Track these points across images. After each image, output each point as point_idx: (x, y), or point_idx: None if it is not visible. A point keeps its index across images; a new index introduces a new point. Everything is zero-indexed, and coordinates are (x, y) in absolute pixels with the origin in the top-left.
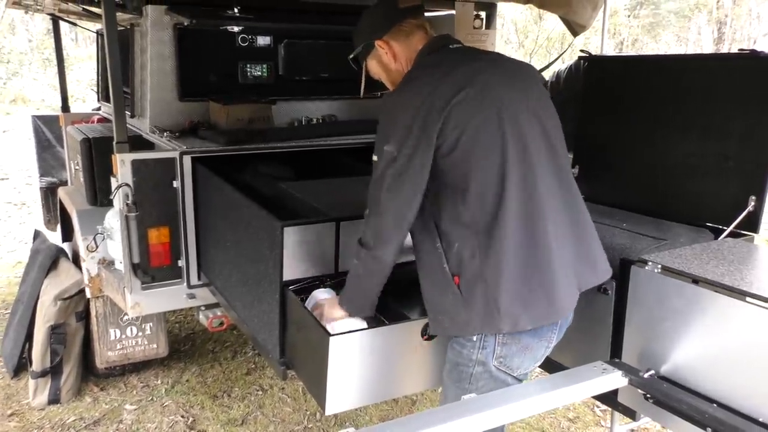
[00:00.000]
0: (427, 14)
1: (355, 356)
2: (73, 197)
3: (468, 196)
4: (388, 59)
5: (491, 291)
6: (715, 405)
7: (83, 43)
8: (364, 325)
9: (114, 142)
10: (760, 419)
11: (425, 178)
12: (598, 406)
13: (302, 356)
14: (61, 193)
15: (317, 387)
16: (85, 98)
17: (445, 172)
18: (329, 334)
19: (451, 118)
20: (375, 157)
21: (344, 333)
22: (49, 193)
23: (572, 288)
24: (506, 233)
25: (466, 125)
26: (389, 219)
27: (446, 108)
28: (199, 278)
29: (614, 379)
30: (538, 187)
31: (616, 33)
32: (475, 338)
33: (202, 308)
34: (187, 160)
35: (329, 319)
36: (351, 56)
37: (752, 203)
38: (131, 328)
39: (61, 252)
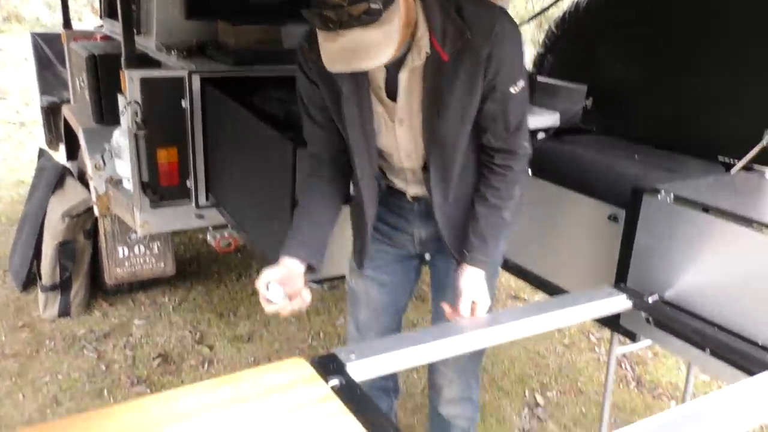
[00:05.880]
0: None
1: None
2: (78, 115)
3: None
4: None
5: None
6: (716, 328)
7: None
8: None
9: (122, 59)
10: (759, 342)
11: None
12: (592, 334)
13: None
14: (66, 111)
15: None
16: (82, 16)
17: None
18: None
19: None
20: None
21: None
22: (50, 113)
23: None
24: None
25: None
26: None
27: None
28: (207, 199)
29: (619, 302)
30: None
31: None
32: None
33: (210, 229)
34: (196, 80)
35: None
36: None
37: (767, 137)
38: (139, 247)
39: (66, 170)
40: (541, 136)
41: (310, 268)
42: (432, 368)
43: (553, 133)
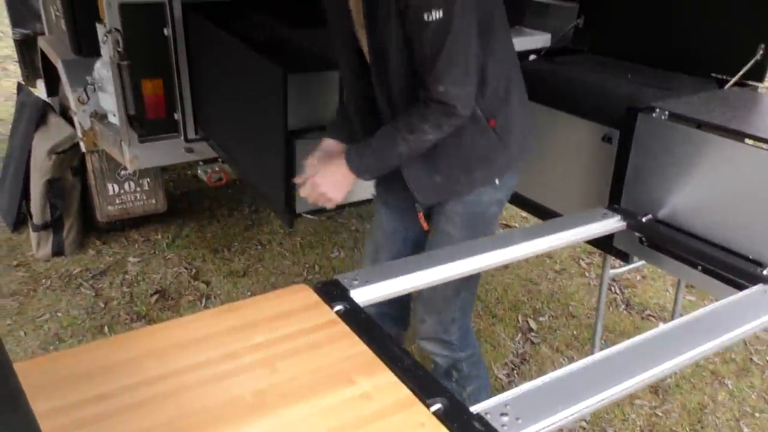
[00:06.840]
0: None
1: None
2: (55, 47)
3: (497, 31)
4: None
5: (525, 124)
6: (708, 245)
7: None
8: None
9: None
10: (750, 256)
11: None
12: (583, 259)
13: None
14: (42, 43)
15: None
16: None
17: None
18: None
19: None
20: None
21: None
22: (24, 47)
23: None
24: (519, 68)
25: None
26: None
27: None
28: (196, 132)
29: (613, 223)
30: None
31: None
32: (497, 180)
33: (201, 163)
34: (177, 5)
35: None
36: None
37: (761, 51)
38: (129, 183)
39: (48, 106)
40: (532, 57)
41: None
42: (411, 304)
43: (544, 54)
